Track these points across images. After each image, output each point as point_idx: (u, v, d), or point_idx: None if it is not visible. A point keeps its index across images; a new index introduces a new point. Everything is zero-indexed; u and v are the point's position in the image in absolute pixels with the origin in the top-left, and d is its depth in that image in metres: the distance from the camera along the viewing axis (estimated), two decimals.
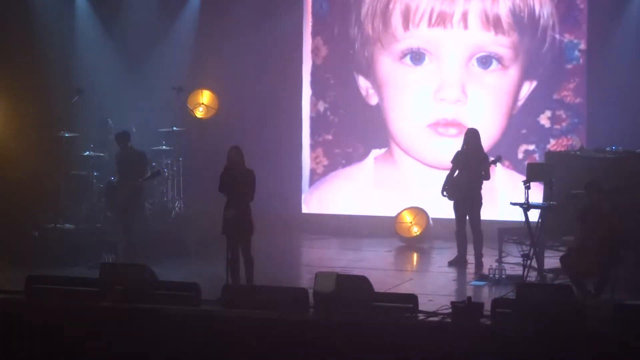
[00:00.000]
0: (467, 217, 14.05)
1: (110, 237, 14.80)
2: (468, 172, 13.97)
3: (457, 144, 14.39)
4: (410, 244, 16.15)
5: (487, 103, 16.69)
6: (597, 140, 15.31)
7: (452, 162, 14.22)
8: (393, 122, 17.19)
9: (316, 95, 17.64)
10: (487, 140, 15.95)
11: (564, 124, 16.55)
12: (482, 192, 14.05)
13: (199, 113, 17.13)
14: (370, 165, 17.34)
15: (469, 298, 10.59)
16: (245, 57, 17.14)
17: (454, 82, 16.71)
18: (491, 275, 12.96)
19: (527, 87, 16.62)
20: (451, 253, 14.43)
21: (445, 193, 14.13)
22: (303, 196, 17.68)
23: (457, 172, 14.12)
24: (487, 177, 14.11)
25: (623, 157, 13.57)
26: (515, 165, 16.43)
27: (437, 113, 16.82)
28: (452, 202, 14.17)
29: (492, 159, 14.14)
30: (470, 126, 14.82)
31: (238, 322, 10.60)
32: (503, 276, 12.87)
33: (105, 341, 10.66)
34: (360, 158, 17.39)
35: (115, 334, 10.73)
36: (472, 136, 14.15)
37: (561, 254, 12.36)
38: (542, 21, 16.48)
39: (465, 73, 16.70)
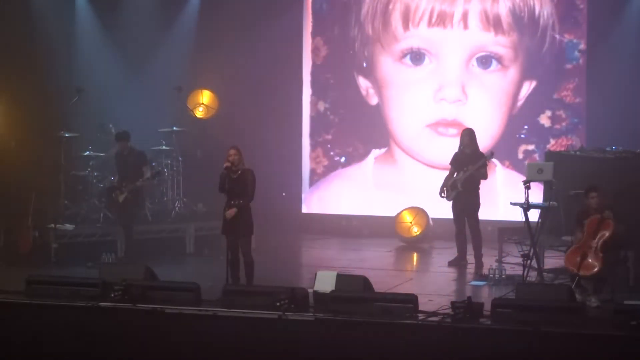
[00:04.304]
0: (466, 218, 14.05)
1: (110, 237, 14.83)
2: (462, 171, 13.97)
3: (457, 144, 14.37)
4: (410, 244, 16.15)
5: (487, 103, 16.70)
6: (597, 140, 15.30)
7: (451, 163, 14.21)
8: (393, 122, 17.20)
9: (316, 95, 17.65)
10: (487, 140, 16.01)
11: (563, 124, 16.56)
12: (482, 192, 14.06)
13: (199, 113, 17.15)
14: (370, 165, 17.35)
15: (469, 298, 10.57)
16: (245, 57, 17.15)
17: (454, 82, 16.72)
18: (491, 275, 12.96)
19: (527, 87, 16.63)
20: (451, 253, 14.42)
21: (443, 194, 14.13)
22: (303, 196, 17.68)
23: (455, 173, 14.13)
24: (485, 177, 14.11)
25: (623, 157, 13.55)
26: (515, 165, 16.43)
27: (437, 113, 16.82)
28: (451, 203, 14.17)
29: (495, 162, 14.18)
30: (470, 126, 14.82)
31: (238, 322, 10.59)
32: (503, 276, 12.87)
33: (105, 341, 10.65)
34: (360, 158, 17.40)
35: (115, 334, 10.72)
36: (468, 136, 14.15)
37: (561, 254, 12.36)
38: (542, 21, 16.48)
39: (465, 73, 16.71)
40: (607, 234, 11.66)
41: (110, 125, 15.77)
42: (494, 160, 14.95)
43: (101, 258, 13.97)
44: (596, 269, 11.57)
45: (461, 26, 16.70)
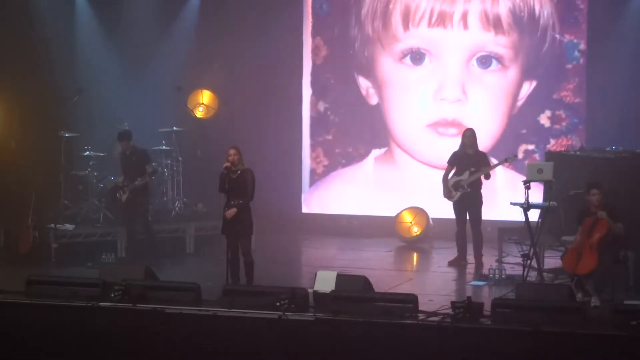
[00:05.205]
0: (467, 217, 14.05)
1: (110, 237, 14.83)
2: (468, 172, 13.97)
3: (457, 144, 14.37)
4: (410, 244, 16.15)
5: (487, 103, 16.69)
6: (597, 140, 15.32)
7: (450, 162, 14.22)
8: (393, 122, 17.20)
9: (316, 95, 17.65)
10: (487, 140, 16.01)
11: (563, 124, 16.55)
12: (482, 192, 14.06)
13: (199, 113, 17.15)
14: (370, 165, 17.34)
15: (469, 298, 10.58)
16: (245, 57, 17.14)
17: (454, 82, 16.72)
18: (491, 275, 12.97)
19: (527, 87, 16.62)
20: (451, 253, 14.42)
21: (446, 195, 14.13)
22: (303, 196, 17.68)
23: (452, 172, 14.13)
24: (487, 177, 14.13)
25: (623, 157, 13.57)
26: (515, 165, 16.42)
27: (437, 113, 16.82)
28: (452, 202, 14.17)
29: (495, 161, 14.18)
30: (470, 126, 14.82)
31: (238, 322, 10.59)
32: (503, 276, 12.88)
33: (105, 341, 10.66)
34: (360, 158, 17.39)
35: (115, 334, 10.72)
36: (472, 136, 14.15)
37: (561, 254, 12.37)
38: (542, 21, 16.48)
39: (465, 73, 16.70)
40: (602, 232, 11.66)
41: (126, 123, 15.73)
42: (493, 159, 14.95)
43: (101, 258, 13.98)
44: (593, 266, 11.57)
45: (461, 26, 16.70)
